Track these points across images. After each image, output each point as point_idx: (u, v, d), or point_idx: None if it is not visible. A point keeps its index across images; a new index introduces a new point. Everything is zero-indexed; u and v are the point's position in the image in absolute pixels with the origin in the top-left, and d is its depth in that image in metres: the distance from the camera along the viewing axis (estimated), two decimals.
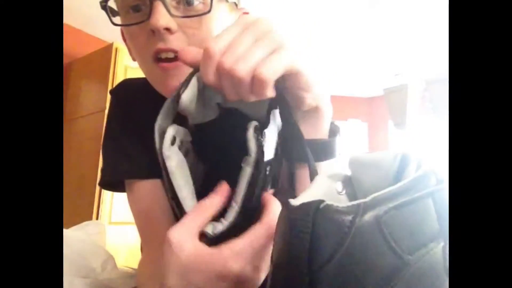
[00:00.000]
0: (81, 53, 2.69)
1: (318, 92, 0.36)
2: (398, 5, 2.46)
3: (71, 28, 2.78)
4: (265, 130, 0.39)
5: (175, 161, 0.35)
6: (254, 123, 0.35)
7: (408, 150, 0.27)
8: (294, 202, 0.24)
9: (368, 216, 0.21)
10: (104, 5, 0.49)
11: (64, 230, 0.64)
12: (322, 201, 0.22)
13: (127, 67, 2.43)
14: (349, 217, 0.21)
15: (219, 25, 0.49)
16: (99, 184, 0.61)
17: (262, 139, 0.36)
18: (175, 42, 0.46)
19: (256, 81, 0.30)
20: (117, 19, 0.51)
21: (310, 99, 0.36)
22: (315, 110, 0.38)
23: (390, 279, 0.21)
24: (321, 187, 0.29)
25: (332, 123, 0.42)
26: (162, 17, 0.43)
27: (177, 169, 0.35)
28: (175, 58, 0.45)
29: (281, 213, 0.25)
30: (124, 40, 0.56)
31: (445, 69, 2.50)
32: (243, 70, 0.30)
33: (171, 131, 0.35)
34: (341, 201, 0.25)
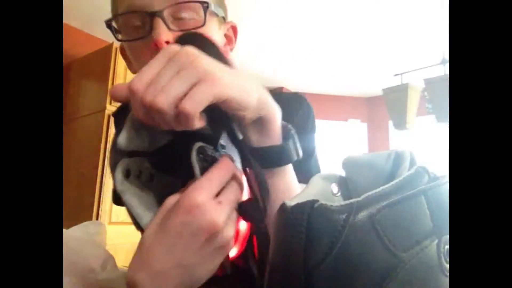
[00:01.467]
0: (81, 53, 2.69)
1: (256, 106, 0.36)
2: (398, 5, 2.46)
3: (71, 28, 2.78)
4: (221, 142, 0.39)
5: (130, 193, 0.36)
6: (197, 145, 0.35)
7: (401, 149, 0.27)
8: (289, 202, 0.24)
9: (362, 215, 0.21)
10: (109, 24, 0.54)
11: (64, 230, 0.64)
12: (316, 201, 0.22)
13: (127, 67, 2.43)
14: (343, 216, 0.21)
15: (212, 36, 0.53)
16: (113, 202, 0.63)
17: (215, 154, 0.37)
18: None
19: (180, 115, 0.30)
20: (121, 35, 0.56)
21: (249, 115, 0.36)
22: (259, 119, 0.38)
23: (385, 276, 0.21)
24: (316, 188, 0.29)
25: (286, 126, 0.41)
26: (162, 32, 0.48)
27: (134, 201, 0.36)
28: None
29: (276, 213, 0.26)
30: (123, 54, 0.60)
31: (445, 69, 2.50)
32: (162, 102, 0.30)
33: (120, 166, 0.36)
34: (336, 202, 0.25)
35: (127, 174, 0.36)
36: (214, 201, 0.33)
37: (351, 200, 0.22)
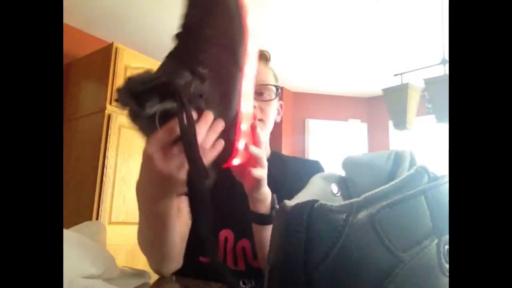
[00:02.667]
0: (81, 53, 2.69)
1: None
2: (398, 5, 2.46)
3: (71, 28, 2.78)
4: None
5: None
6: (157, 113, 0.48)
7: (401, 149, 0.27)
8: (289, 202, 0.24)
9: (362, 214, 0.21)
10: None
11: (64, 230, 0.64)
12: (316, 201, 0.22)
13: (127, 67, 2.43)
14: (343, 216, 0.21)
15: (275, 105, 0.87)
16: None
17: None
18: (255, 112, 0.79)
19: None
20: None
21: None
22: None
23: (385, 276, 0.21)
24: (316, 188, 0.29)
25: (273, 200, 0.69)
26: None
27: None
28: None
29: (277, 214, 0.26)
30: None
31: (445, 69, 2.50)
32: None
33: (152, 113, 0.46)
34: (336, 202, 0.25)
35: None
36: (163, 152, 0.46)
37: (351, 200, 0.22)
